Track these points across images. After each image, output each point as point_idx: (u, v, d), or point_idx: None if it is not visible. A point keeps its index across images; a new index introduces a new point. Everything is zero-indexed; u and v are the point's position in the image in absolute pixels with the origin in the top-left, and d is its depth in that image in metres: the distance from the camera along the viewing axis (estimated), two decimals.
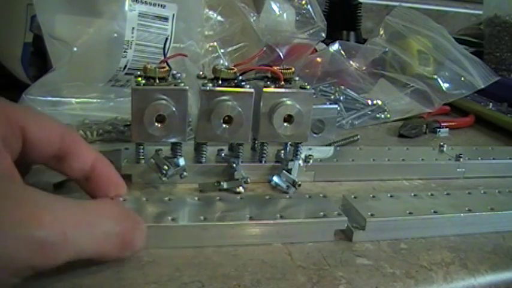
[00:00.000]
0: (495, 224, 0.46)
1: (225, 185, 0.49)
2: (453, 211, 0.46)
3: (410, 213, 0.44)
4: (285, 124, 0.49)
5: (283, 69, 0.50)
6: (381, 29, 0.87)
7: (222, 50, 0.69)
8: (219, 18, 0.69)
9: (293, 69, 0.50)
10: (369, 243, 0.43)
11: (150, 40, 0.59)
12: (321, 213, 0.43)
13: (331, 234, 0.43)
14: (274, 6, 0.81)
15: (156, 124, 0.46)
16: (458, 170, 0.58)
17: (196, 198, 0.43)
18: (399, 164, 0.56)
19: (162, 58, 0.50)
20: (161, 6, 0.59)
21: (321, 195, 0.46)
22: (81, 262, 0.36)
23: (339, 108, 0.71)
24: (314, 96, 0.51)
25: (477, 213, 0.46)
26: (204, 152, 0.50)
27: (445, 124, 0.75)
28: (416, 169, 0.57)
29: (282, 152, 0.53)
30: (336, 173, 0.54)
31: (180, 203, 0.42)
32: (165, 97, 0.45)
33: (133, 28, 0.58)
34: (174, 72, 0.48)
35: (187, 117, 0.47)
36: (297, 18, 0.82)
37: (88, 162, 0.40)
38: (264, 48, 0.74)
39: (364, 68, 0.83)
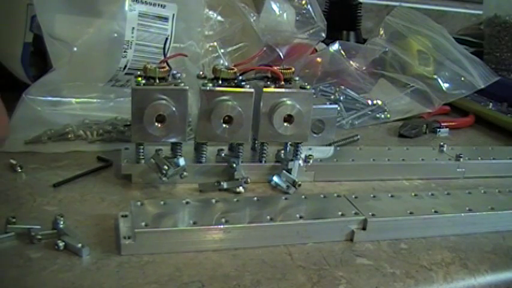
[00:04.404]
0: (495, 224, 0.46)
1: (225, 185, 0.49)
2: (454, 211, 0.46)
3: (411, 213, 0.44)
4: (285, 124, 0.49)
5: (283, 69, 0.50)
6: (380, 29, 0.87)
7: (222, 50, 0.69)
8: (219, 18, 0.69)
9: (293, 69, 0.50)
10: (369, 243, 0.43)
11: (150, 40, 0.59)
12: (339, 213, 0.43)
13: (349, 233, 0.43)
14: (274, 6, 0.81)
15: (156, 124, 0.46)
16: (458, 170, 0.58)
17: (213, 201, 0.43)
18: (399, 164, 0.56)
19: (162, 58, 0.50)
20: (161, 6, 0.59)
21: (335, 194, 0.46)
22: (81, 262, 0.36)
23: (339, 108, 0.71)
24: (314, 96, 0.51)
25: (477, 213, 0.46)
26: (204, 152, 0.50)
27: (445, 124, 0.75)
28: (417, 169, 0.57)
29: (282, 152, 0.53)
30: (336, 173, 0.54)
31: (200, 205, 0.42)
32: (165, 97, 0.45)
33: (133, 28, 0.58)
34: (174, 72, 0.48)
35: (187, 117, 0.47)
36: (297, 18, 0.82)
37: None
38: (264, 48, 0.74)
39: (364, 68, 0.83)
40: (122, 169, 0.48)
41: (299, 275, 0.37)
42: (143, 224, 0.38)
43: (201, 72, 0.50)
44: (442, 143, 0.61)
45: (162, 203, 0.42)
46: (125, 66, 0.59)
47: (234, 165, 0.50)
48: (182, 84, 0.46)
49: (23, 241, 0.38)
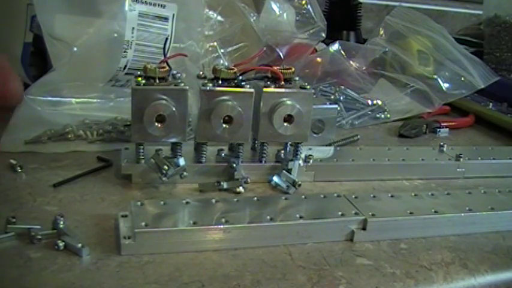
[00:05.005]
0: (495, 224, 0.46)
1: (225, 185, 0.49)
2: (453, 211, 0.46)
3: (411, 213, 0.44)
4: (285, 124, 0.49)
5: (283, 69, 0.50)
6: (381, 29, 0.87)
7: (222, 50, 0.69)
8: (219, 18, 0.69)
9: (293, 69, 0.50)
10: (369, 243, 0.43)
11: (150, 40, 0.59)
12: (339, 213, 0.43)
13: (349, 233, 0.43)
14: (274, 6, 0.81)
15: (156, 124, 0.46)
16: (458, 170, 0.58)
17: (213, 201, 0.43)
18: (399, 164, 0.56)
19: (162, 58, 0.50)
20: (161, 6, 0.59)
21: (335, 194, 0.46)
22: (81, 262, 0.36)
23: (339, 108, 0.71)
24: (314, 96, 0.51)
25: (477, 213, 0.46)
26: (204, 152, 0.50)
27: (445, 124, 0.75)
28: (417, 169, 0.57)
29: (282, 152, 0.53)
30: (336, 173, 0.54)
31: (200, 205, 0.42)
32: (165, 97, 0.45)
33: (133, 28, 0.58)
34: (174, 72, 0.48)
35: (187, 117, 0.47)
36: (297, 18, 0.82)
37: None
38: (264, 48, 0.74)
39: (364, 68, 0.83)
40: (122, 169, 0.48)
41: (299, 275, 0.37)
42: (143, 224, 0.38)
43: (201, 72, 0.50)
44: (442, 143, 0.61)
45: (162, 203, 0.42)
46: (125, 66, 0.59)
47: (234, 165, 0.50)
48: (182, 84, 0.46)
49: (23, 241, 0.38)
